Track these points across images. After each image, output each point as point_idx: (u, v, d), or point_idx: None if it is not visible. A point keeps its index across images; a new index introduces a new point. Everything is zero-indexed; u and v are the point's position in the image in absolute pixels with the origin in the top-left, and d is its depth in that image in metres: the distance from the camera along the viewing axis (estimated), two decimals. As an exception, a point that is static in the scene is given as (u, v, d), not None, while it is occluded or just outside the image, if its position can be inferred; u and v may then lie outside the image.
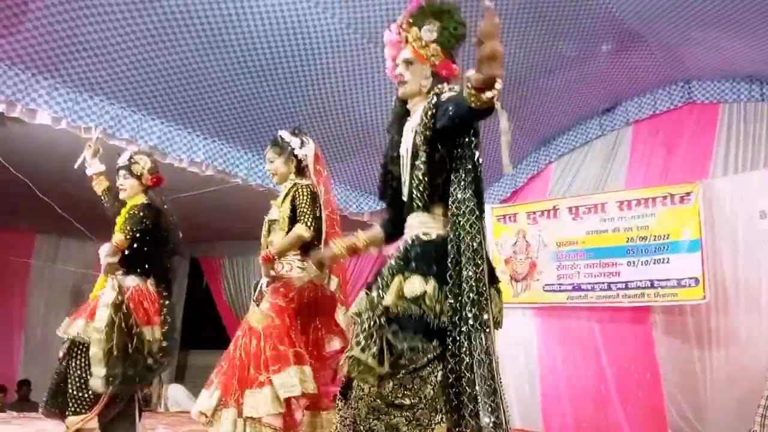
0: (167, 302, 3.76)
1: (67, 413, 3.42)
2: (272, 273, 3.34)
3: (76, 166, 4.13)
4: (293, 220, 3.38)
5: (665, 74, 5.61)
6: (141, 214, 3.64)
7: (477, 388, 1.90)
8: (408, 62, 2.23)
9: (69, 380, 3.44)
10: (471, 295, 1.96)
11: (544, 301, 5.79)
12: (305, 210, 3.34)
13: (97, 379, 3.34)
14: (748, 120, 5.42)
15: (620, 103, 6.11)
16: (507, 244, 6.05)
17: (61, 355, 3.56)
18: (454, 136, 2.12)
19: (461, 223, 2.04)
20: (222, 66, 4.51)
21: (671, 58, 5.27)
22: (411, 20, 2.22)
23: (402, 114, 2.35)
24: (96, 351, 3.35)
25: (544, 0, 4.44)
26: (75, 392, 3.41)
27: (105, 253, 3.55)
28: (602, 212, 5.54)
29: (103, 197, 4.02)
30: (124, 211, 3.71)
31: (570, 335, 5.73)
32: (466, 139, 2.11)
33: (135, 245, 3.61)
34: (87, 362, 3.42)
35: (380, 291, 2.14)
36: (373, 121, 5.43)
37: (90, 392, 3.40)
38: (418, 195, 2.18)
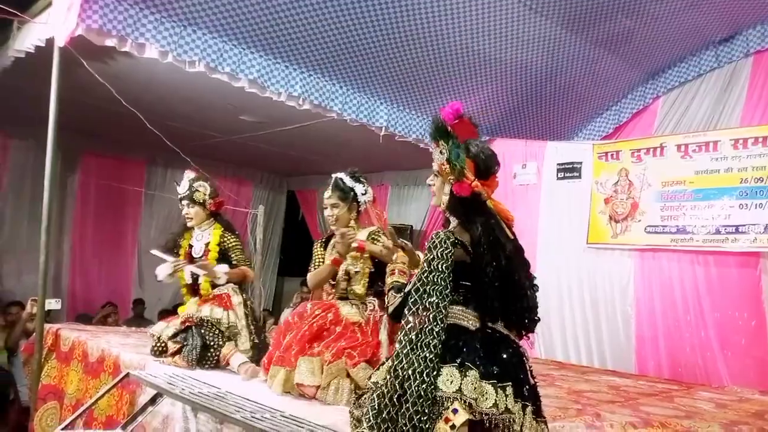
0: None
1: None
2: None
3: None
4: (373, 273, 3.38)
5: (796, -2, 5.09)
6: (236, 240, 4.11)
7: None
8: (434, 174, 2.15)
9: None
10: None
11: (646, 243, 5.57)
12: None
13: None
14: None
15: (740, 32, 5.65)
16: (608, 183, 5.81)
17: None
18: None
19: None
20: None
21: (805, -21, 4.76)
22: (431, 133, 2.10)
23: None
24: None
25: None
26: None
27: (228, 277, 3.99)
28: (714, 151, 5.19)
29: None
30: (213, 245, 4.04)
31: (670, 279, 5.49)
32: None
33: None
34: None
35: None
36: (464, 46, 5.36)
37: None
38: None
